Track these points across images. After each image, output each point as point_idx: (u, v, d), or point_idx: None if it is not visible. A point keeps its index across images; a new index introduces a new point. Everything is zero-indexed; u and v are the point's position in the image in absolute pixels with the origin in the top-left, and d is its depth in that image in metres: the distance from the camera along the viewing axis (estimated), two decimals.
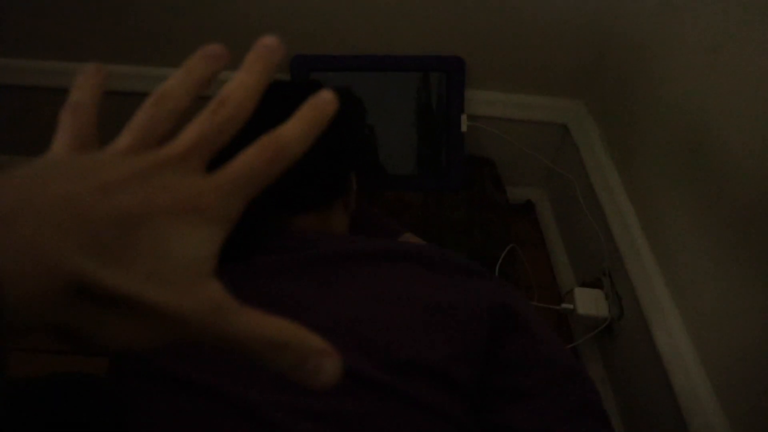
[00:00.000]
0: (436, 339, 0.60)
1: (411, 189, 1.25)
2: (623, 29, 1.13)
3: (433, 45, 1.19)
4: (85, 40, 1.15)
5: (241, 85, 0.28)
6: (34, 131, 1.01)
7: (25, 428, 0.59)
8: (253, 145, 0.27)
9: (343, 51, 1.19)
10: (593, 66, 1.21)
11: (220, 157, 0.28)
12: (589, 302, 1.04)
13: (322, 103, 0.29)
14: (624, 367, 1.02)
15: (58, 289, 0.21)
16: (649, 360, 0.91)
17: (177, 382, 0.56)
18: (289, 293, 0.60)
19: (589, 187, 1.18)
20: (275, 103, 0.77)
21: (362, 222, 0.92)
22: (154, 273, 0.23)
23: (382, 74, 1.21)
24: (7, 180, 0.22)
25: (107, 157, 0.26)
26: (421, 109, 1.24)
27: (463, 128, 1.23)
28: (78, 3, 1.10)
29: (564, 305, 1.05)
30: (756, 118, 0.76)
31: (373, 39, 1.18)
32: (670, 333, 0.88)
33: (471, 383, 0.62)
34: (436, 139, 1.26)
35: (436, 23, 1.15)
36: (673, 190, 0.94)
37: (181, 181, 0.26)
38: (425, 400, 0.57)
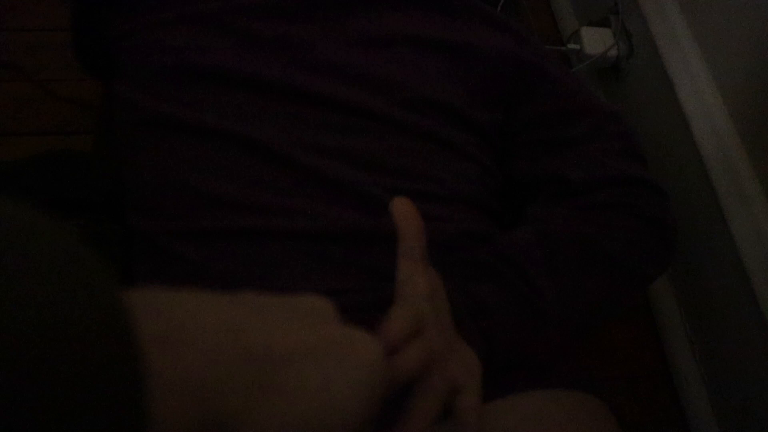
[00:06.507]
0: (451, 79, 0.58)
1: None
2: None
3: None
4: None
5: None
6: None
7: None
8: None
9: None
10: None
11: None
12: (597, 41, 0.97)
13: None
14: (633, 106, 0.98)
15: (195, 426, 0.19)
16: (660, 92, 0.87)
17: (187, 128, 0.54)
18: (292, 33, 0.57)
19: None
20: None
21: None
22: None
23: None
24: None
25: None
26: None
27: None
28: None
29: (570, 45, 0.98)
30: None
31: None
32: (684, 60, 0.83)
33: (492, 129, 0.61)
34: None
35: None
36: None
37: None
38: (443, 136, 0.56)
